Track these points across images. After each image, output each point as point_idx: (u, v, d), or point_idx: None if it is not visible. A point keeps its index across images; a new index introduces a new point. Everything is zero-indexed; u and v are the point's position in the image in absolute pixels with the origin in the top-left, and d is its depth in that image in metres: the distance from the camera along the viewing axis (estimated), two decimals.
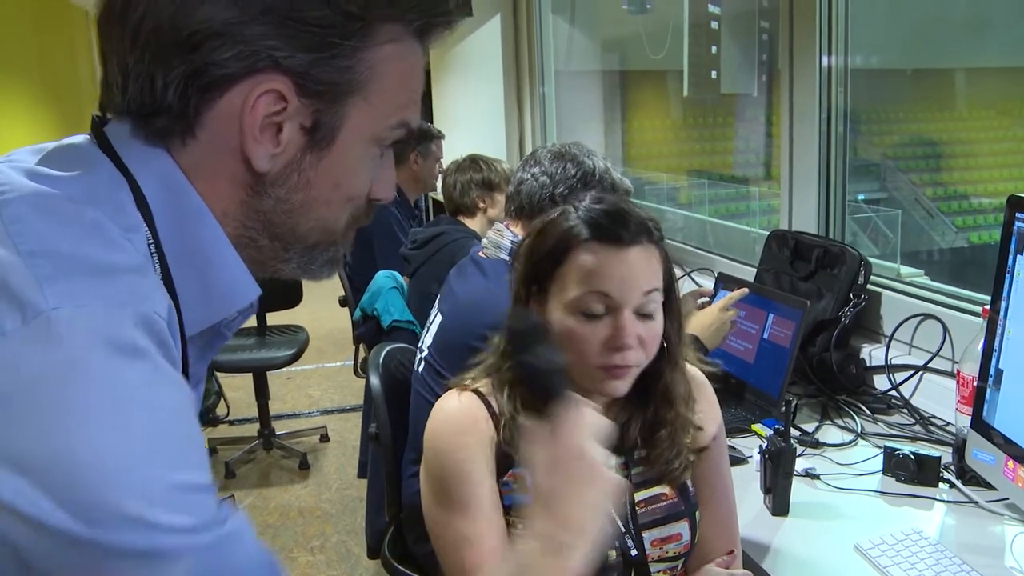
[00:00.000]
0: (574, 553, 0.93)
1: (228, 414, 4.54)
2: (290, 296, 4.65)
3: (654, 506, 1.35)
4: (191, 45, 0.73)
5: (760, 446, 1.72)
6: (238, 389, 5.00)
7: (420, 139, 3.79)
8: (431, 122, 5.99)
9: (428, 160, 3.80)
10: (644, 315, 1.26)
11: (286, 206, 0.81)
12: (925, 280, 2.49)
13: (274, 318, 4.76)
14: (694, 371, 1.47)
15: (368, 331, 2.97)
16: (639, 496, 1.35)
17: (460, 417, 1.32)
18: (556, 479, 0.95)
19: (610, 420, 1.35)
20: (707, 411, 1.43)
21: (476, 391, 1.34)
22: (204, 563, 0.65)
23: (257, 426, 4.65)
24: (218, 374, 4.97)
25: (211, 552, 0.65)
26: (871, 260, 2.54)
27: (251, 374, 4.52)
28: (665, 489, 1.36)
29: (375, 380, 2.13)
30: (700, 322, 2.13)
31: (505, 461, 1.30)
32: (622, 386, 1.28)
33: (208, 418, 4.00)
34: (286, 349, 4.38)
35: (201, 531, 0.64)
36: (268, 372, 4.53)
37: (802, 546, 1.56)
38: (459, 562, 1.28)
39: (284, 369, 4.68)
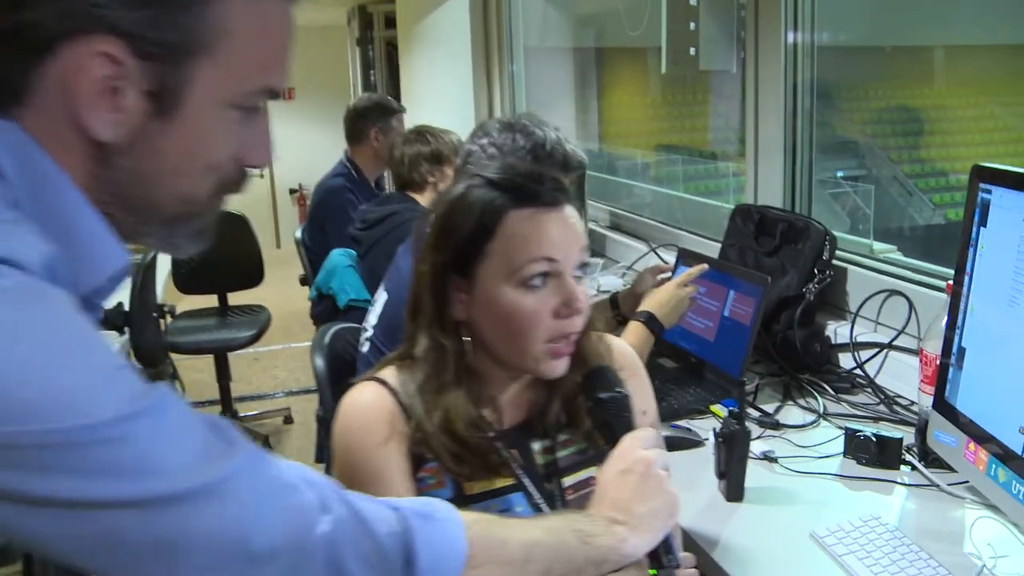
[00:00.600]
0: (620, 529, 1.00)
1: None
2: (251, 275, 4.56)
3: (584, 491, 1.25)
4: (6, 5, 0.67)
5: (714, 428, 1.64)
6: (202, 371, 4.89)
7: (380, 114, 3.67)
8: (398, 99, 5.87)
9: (389, 136, 3.66)
10: (578, 276, 1.20)
11: (136, 177, 0.75)
12: (896, 256, 2.42)
13: (236, 298, 4.67)
14: (623, 346, 1.40)
15: (324, 311, 2.87)
16: (567, 481, 1.26)
17: (369, 413, 1.22)
18: (623, 488, 1.04)
19: (529, 400, 1.29)
20: (638, 387, 1.35)
21: (385, 383, 1.25)
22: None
23: (220, 409, 4.56)
24: (177, 356, 4.87)
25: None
26: (845, 236, 2.47)
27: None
28: (595, 472, 1.25)
29: (319, 362, 2.06)
30: (657, 299, 2.04)
31: (418, 457, 1.22)
32: (564, 366, 1.21)
33: None
34: (246, 330, 4.29)
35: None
36: (231, 353, 4.44)
37: (755, 534, 1.49)
38: None
39: (250, 349, 4.59)
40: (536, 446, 1.27)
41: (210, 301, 4.70)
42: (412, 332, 1.25)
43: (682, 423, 1.94)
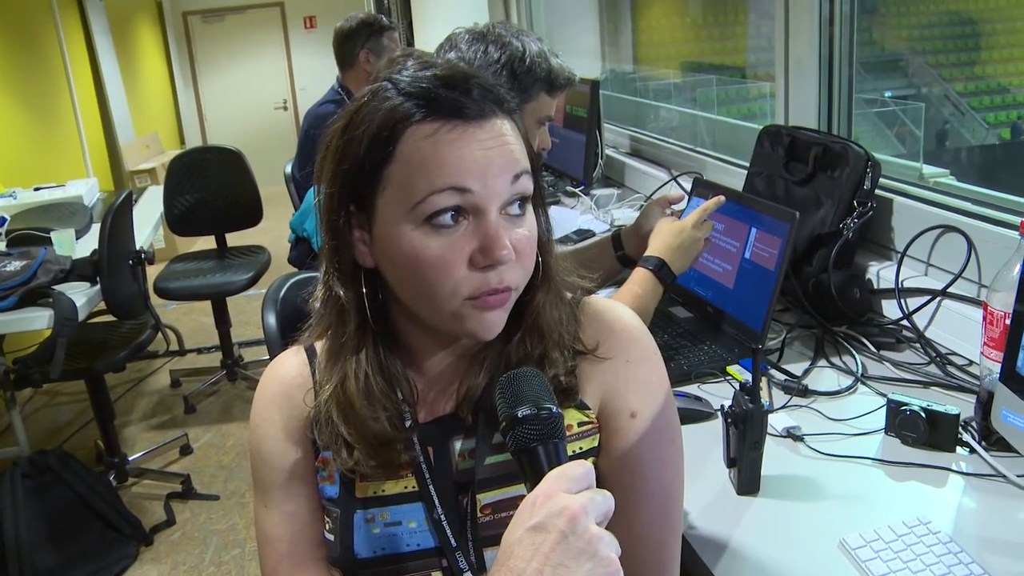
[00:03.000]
0: None
1: (168, 348, 4.22)
2: (250, 215, 4.29)
3: (505, 514, 0.94)
4: None
5: (722, 406, 1.33)
6: (210, 315, 4.66)
7: (368, 34, 3.31)
8: (410, 25, 5.50)
9: (382, 57, 3.32)
10: (513, 214, 0.88)
11: None
12: (950, 181, 2.06)
13: (234, 239, 4.40)
14: (609, 313, 1.03)
15: (300, 255, 2.58)
16: (487, 498, 0.95)
17: (282, 385, 1.02)
18: (533, 552, 0.73)
19: (462, 385, 0.98)
20: (630, 376, 1.00)
21: (311, 349, 1.02)
22: None
23: (221, 355, 4.34)
24: (178, 303, 4.66)
25: None
26: (889, 160, 2.11)
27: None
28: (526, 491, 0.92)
29: (270, 319, 1.78)
30: (664, 240, 1.71)
31: (314, 442, 0.99)
32: (499, 319, 0.90)
33: (143, 354, 3.64)
34: (244, 272, 4.04)
35: None
36: (230, 297, 4.20)
37: (770, 540, 1.18)
38: (263, 564, 1.00)
39: (254, 292, 4.35)
40: (458, 446, 0.97)
41: (207, 243, 4.47)
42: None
43: (692, 388, 1.63)
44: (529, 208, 0.90)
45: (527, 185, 0.88)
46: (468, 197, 0.84)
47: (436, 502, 0.94)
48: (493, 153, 0.85)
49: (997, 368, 1.25)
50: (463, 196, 0.84)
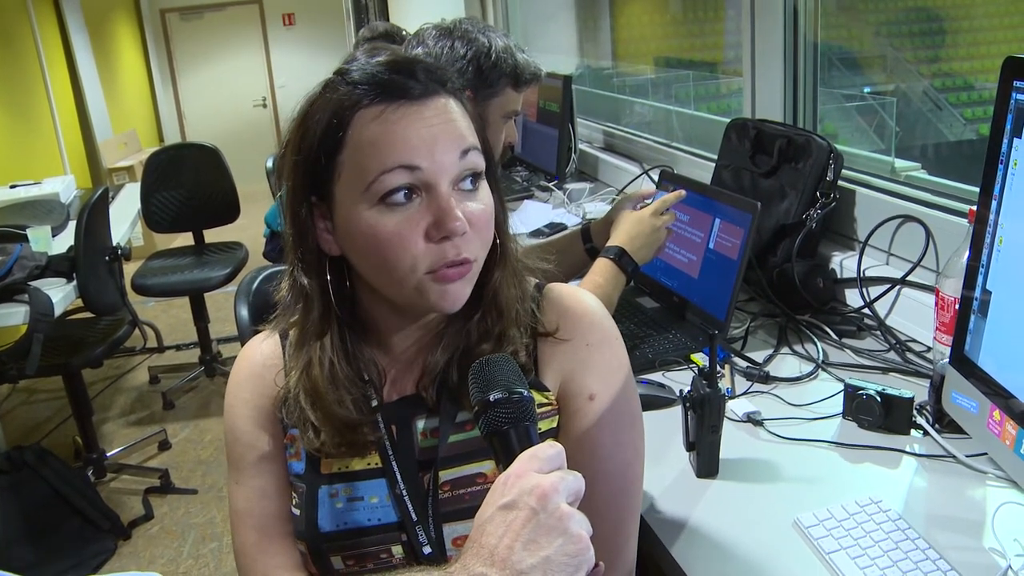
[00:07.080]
0: None
1: (146, 345, 4.22)
2: (227, 212, 4.30)
3: (464, 491, 0.98)
4: None
5: (681, 390, 1.36)
6: (189, 311, 4.66)
7: (388, 42, 3.33)
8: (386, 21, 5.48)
9: None
10: (466, 189, 0.92)
11: None
12: (920, 175, 2.09)
13: (212, 236, 4.41)
14: (568, 297, 1.07)
15: (274, 249, 2.59)
16: (448, 475, 0.98)
17: (253, 366, 1.06)
18: (504, 530, 0.74)
19: (420, 358, 1.02)
20: (587, 359, 1.03)
21: (284, 334, 1.06)
22: None
23: (199, 351, 4.35)
24: (157, 300, 4.66)
25: None
26: (861, 153, 2.15)
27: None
28: (486, 469, 0.98)
29: (243, 311, 1.80)
30: (626, 231, 1.73)
31: (281, 421, 1.03)
32: (461, 292, 0.93)
33: (120, 350, 3.64)
34: (221, 268, 4.05)
35: None
36: (207, 293, 4.20)
37: (726, 520, 1.21)
38: (234, 538, 1.06)
39: (232, 288, 4.38)
40: (420, 425, 1.01)
41: (185, 239, 4.47)
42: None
43: (656, 376, 1.66)
44: (483, 185, 0.94)
45: (477, 161, 0.92)
46: (418, 174, 0.88)
47: (399, 478, 0.97)
48: (438, 129, 0.89)
49: (947, 352, 1.29)
50: (413, 173, 0.88)
